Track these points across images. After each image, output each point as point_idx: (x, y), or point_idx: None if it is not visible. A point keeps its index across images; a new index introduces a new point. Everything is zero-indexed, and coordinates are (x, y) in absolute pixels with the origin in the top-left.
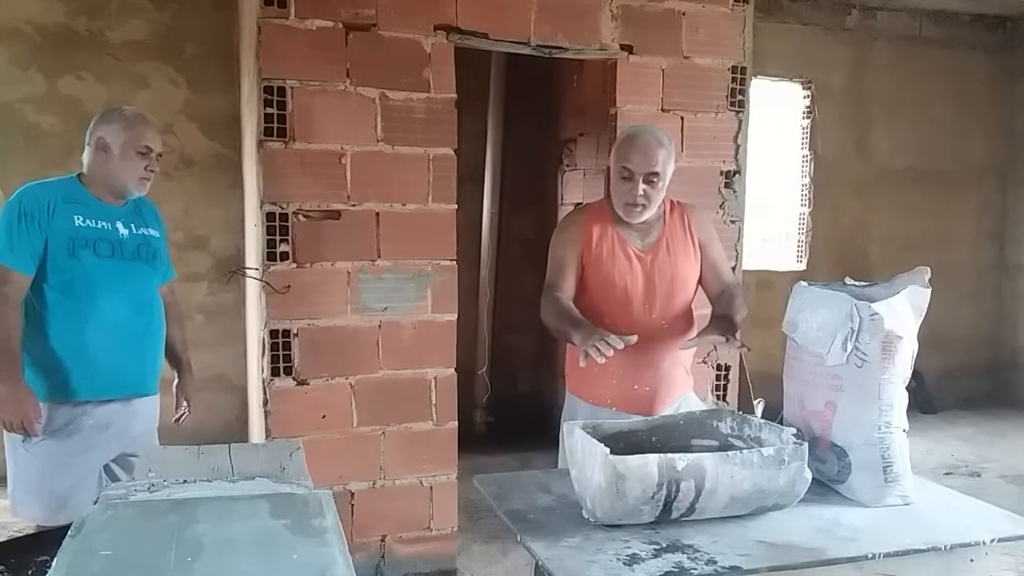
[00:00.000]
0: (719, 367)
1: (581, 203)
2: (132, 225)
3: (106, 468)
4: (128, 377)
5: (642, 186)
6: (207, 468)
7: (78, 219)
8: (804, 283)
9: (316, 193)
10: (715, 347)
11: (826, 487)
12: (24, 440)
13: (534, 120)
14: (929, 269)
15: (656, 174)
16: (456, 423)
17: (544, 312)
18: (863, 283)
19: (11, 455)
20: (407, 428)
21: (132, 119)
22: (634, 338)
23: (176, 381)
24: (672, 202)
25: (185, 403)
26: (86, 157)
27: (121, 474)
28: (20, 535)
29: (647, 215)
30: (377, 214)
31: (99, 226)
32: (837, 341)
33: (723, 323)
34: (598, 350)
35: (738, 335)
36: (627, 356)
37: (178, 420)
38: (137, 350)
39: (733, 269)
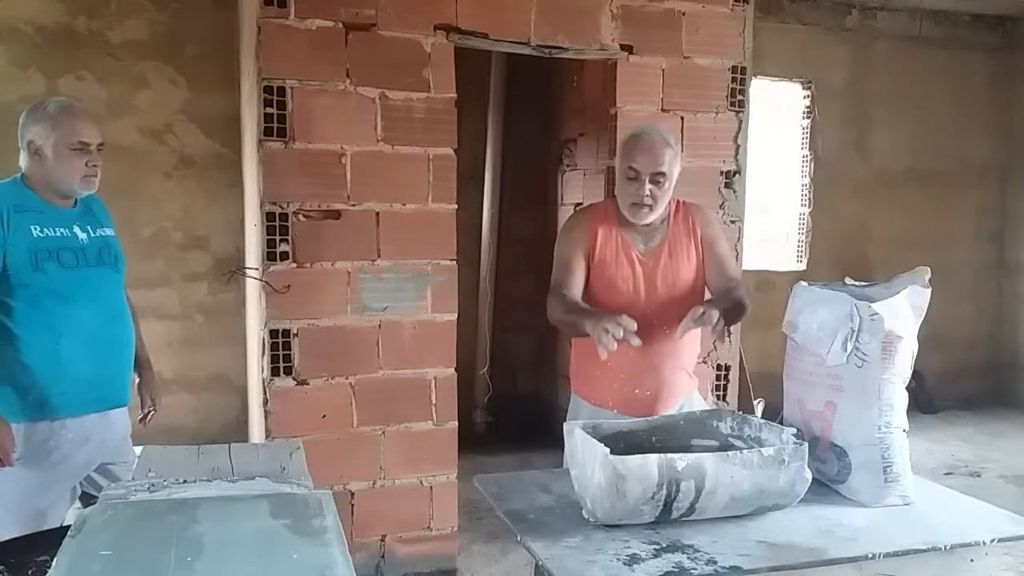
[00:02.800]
0: (719, 367)
1: (581, 203)
2: (88, 228)
3: (87, 478)
4: (107, 389)
5: (648, 186)
6: (207, 468)
7: (35, 229)
8: (804, 283)
9: (316, 193)
10: (714, 346)
11: (826, 487)
12: None
13: (534, 120)
14: (929, 269)
15: (662, 174)
16: (456, 423)
17: (551, 310)
18: (863, 283)
19: None
20: (407, 428)
21: (57, 115)
22: (637, 340)
23: (138, 380)
24: (678, 203)
25: (151, 402)
26: (22, 161)
27: (103, 483)
28: (20, 535)
29: (653, 216)
30: (377, 214)
31: (57, 234)
32: (837, 341)
33: (706, 307)
34: (607, 332)
35: (717, 320)
36: (629, 360)
37: (144, 420)
38: (114, 360)
39: None
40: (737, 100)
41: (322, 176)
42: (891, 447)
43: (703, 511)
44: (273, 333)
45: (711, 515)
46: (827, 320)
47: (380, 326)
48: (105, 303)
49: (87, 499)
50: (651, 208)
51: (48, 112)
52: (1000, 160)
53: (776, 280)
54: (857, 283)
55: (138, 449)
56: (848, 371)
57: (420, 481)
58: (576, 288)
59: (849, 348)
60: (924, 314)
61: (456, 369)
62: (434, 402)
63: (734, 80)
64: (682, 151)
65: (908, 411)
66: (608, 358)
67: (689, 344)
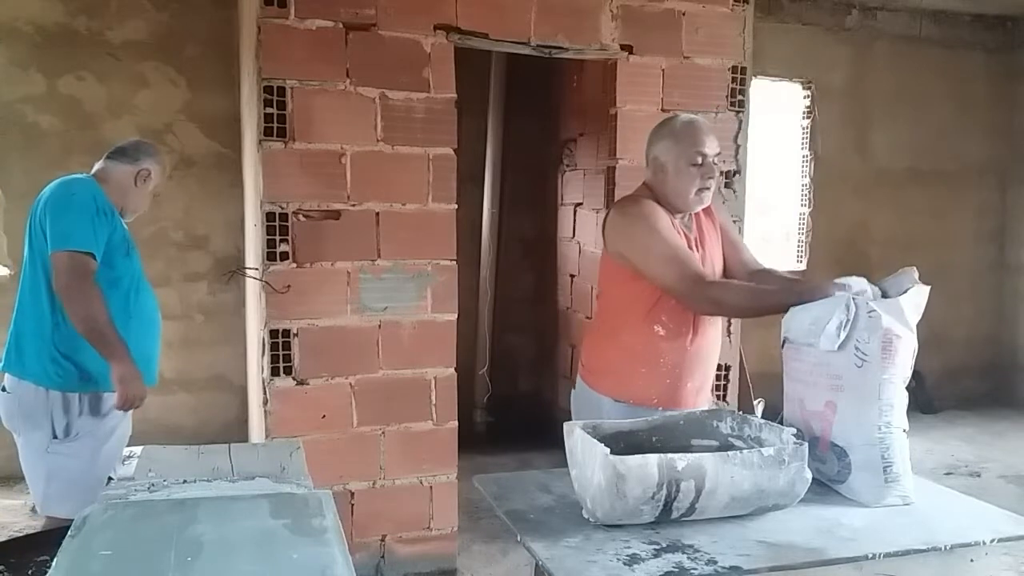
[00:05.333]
0: (719, 367)
1: (581, 203)
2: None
3: None
4: (153, 369)
5: (713, 168)
6: (207, 468)
7: (123, 222)
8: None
9: (316, 193)
10: None
11: (826, 487)
12: (56, 439)
13: (534, 120)
14: (916, 268)
15: (719, 155)
16: (456, 423)
17: (730, 294)
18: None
19: (41, 455)
20: (407, 428)
21: (167, 165)
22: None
23: None
24: None
25: None
26: (116, 170)
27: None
28: (20, 535)
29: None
30: (377, 214)
31: (127, 229)
32: (832, 324)
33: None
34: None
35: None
36: (684, 354)
37: None
38: (157, 344)
39: None
40: (737, 100)
41: (322, 176)
42: (891, 447)
43: (703, 511)
44: (273, 333)
45: (711, 515)
46: (820, 315)
47: (380, 326)
48: (154, 295)
49: None
50: (711, 191)
51: (163, 158)
52: (1000, 160)
53: None
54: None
55: (138, 449)
56: (848, 371)
57: (420, 481)
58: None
59: (843, 335)
60: (922, 312)
61: (456, 369)
62: (434, 402)
63: (734, 80)
64: None
65: (908, 411)
66: (662, 353)
67: (721, 336)
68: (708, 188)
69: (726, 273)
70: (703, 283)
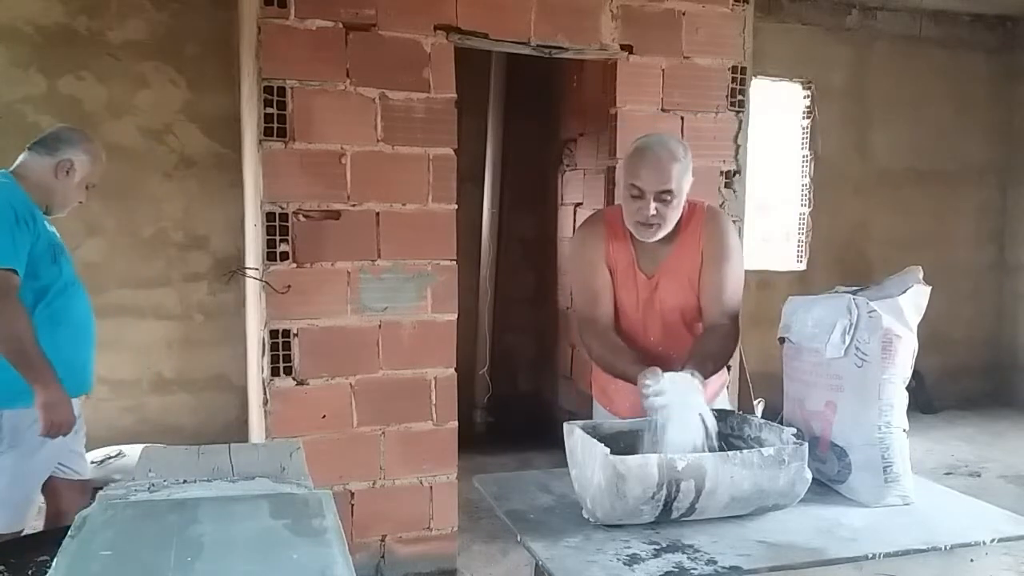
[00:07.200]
0: None
1: (581, 203)
2: (55, 228)
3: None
4: (85, 376)
5: (654, 204)
6: (207, 468)
7: (48, 226)
8: (793, 297)
9: (316, 193)
10: None
11: (826, 487)
12: None
13: (534, 120)
14: (921, 268)
15: (669, 191)
16: (456, 423)
17: (589, 347)
18: (854, 287)
19: None
20: (407, 428)
21: (98, 154)
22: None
23: None
24: (693, 207)
25: None
26: (36, 164)
27: (72, 463)
28: (20, 535)
29: (661, 234)
30: (377, 214)
31: (55, 232)
32: (836, 332)
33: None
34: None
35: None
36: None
37: None
38: (91, 349)
39: None
40: (737, 100)
41: (322, 176)
42: (891, 447)
43: (703, 511)
44: (273, 333)
45: (711, 515)
46: (823, 317)
47: (380, 326)
48: (86, 297)
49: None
50: (659, 226)
51: (94, 147)
52: (1000, 160)
53: (776, 280)
54: (847, 288)
55: (138, 448)
56: (848, 371)
57: (420, 481)
58: (607, 316)
59: (848, 341)
60: (923, 312)
61: (456, 369)
62: (434, 402)
63: (734, 80)
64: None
65: (908, 411)
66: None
67: None
68: (648, 224)
69: (701, 314)
70: (585, 325)
